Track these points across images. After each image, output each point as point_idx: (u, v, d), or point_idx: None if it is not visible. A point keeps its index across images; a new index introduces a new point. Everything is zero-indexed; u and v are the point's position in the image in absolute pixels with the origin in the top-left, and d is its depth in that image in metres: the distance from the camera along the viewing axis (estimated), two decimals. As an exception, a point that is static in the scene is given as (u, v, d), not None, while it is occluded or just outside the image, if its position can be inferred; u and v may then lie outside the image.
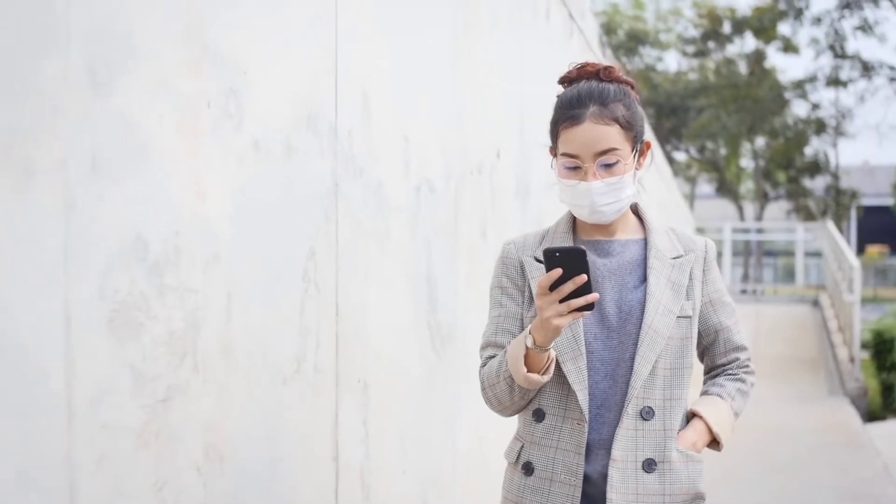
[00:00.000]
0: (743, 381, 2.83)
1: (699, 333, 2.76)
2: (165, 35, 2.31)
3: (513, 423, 2.86)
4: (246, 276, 2.64)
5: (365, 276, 3.39)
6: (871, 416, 15.29)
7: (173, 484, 2.35)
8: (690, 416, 2.74)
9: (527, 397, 2.63)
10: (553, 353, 2.52)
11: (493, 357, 2.68)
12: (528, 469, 2.66)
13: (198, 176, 2.42)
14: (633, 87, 2.69)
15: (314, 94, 3.02)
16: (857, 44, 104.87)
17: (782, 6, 36.80)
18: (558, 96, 2.67)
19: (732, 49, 41.01)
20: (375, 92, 3.44)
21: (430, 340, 4.04)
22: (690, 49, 41.89)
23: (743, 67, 40.13)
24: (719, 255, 33.86)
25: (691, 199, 42.23)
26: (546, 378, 2.52)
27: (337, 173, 3.16)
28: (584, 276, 2.32)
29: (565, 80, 2.70)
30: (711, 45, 40.89)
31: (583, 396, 2.57)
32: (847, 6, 36.14)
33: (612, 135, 2.55)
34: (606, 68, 2.66)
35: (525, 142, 5.51)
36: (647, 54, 42.52)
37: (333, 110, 3.14)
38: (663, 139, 35.56)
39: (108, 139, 2.11)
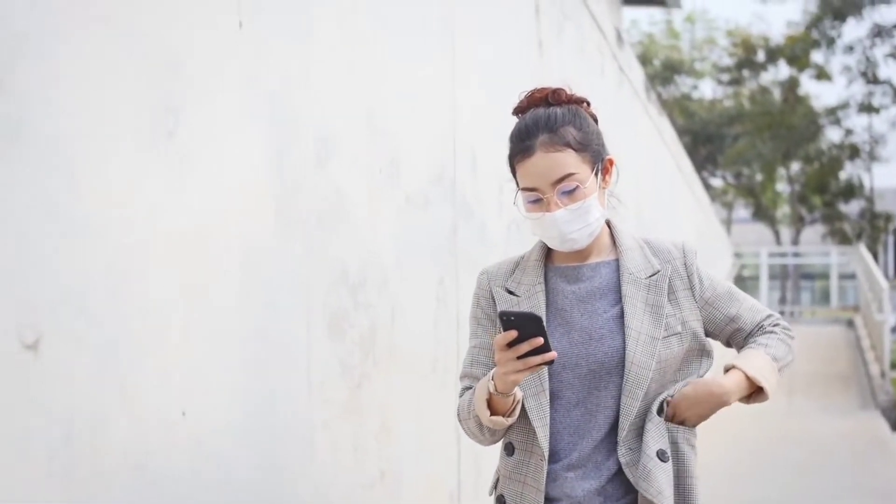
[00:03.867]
0: (775, 332, 2.66)
1: (715, 333, 2.65)
2: (355, 125, 3.26)
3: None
4: (402, 296, 3.57)
5: (475, 298, 4.31)
6: (900, 426, 16.11)
7: (362, 447, 3.28)
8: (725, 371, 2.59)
9: (497, 434, 2.58)
10: (519, 395, 2.45)
11: (469, 389, 2.62)
12: (500, 502, 2.60)
13: (375, 223, 3.36)
14: (586, 105, 2.60)
15: (441, 158, 3.96)
16: (888, 70, 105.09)
17: (815, 35, 37.66)
18: (511, 130, 2.57)
19: (766, 77, 41.83)
20: (481, 152, 4.38)
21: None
22: (725, 77, 42.72)
23: (777, 95, 40.92)
24: (756, 279, 34.46)
25: (728, 224, 42.90)
26: (511, 420, 2.45)
27: (455, 217, 4.09)
28: (540, 340, 2.26)
29: (518, 111, 2.60)
30: (746, 73, 41.70)
31: (543, 434, 2.49)
32: (878, 34, 37.01)
33: (566, 160, 2.45)
34: (554, 91, 2.56)
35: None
36: (683, 83, 43.33)
37: (453, 170, 4.07)
38: (699, 166, 36.28)
39: (327, 202, 3.05)
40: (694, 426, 2.54)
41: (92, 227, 2.09)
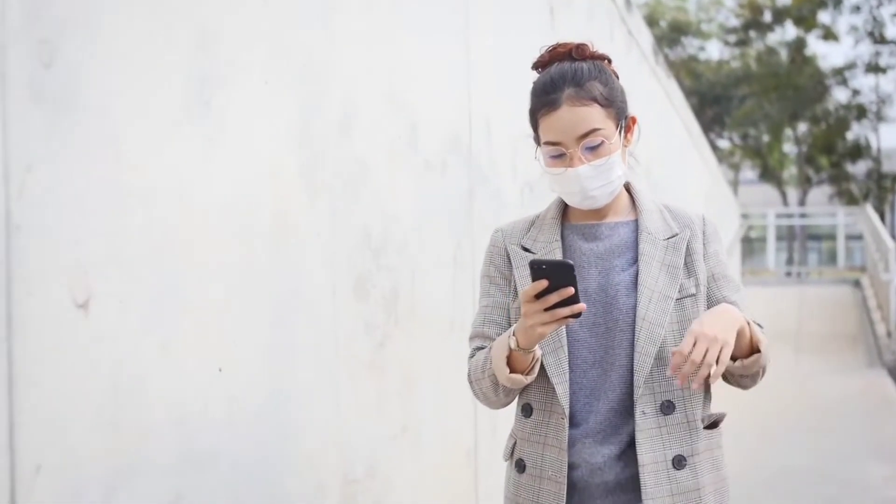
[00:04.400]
0: (763, 334, 2.46)
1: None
2: (378, 98, 3.38)
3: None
4: (421, 258, 3.70)
5: (489, 259, 4.45)
6: (907, 384, 16.25)
7: (385, 403, 3.41)
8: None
9: (512, 395, 2.50)
10: (538, 353, 2.39)
11: (481, 349, 2.54)
12: (520, 466, 2.53)
13: (395, 188, 3.49)
14: (608, 62, 2.53)
15: (457, 126, 4.08)
16: (895, 30, 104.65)
17: (821, -5, 37.70)
18: (533, 83, 2.51)
19: (773, 38, 41.87)
20: (495, 119, 4.50)
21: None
22: (732, 38, 42.74)
23: (784, 55, 40.94)
24: (763, 240, 34.54)
25: (735, 185, 42.89)
26: (530, 378, 2.39)
27: (472, 182, 4.21)
28: (571, 290, 2.18)
29: (539, 65, 2.54)
30: (753, 34, 41.72)
31: (562, 390, 2.42)
32: (885, -6, 36.99)
33: (593, 115, 2.38)
34: (578, 46, 2.49)
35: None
36: (690, 44, 43.35)
37: (468, 136, 4.19)
38: (706, 127, 36.31)
39: (351, 170, 3.17)
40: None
41: (136, 193, 2.22)
